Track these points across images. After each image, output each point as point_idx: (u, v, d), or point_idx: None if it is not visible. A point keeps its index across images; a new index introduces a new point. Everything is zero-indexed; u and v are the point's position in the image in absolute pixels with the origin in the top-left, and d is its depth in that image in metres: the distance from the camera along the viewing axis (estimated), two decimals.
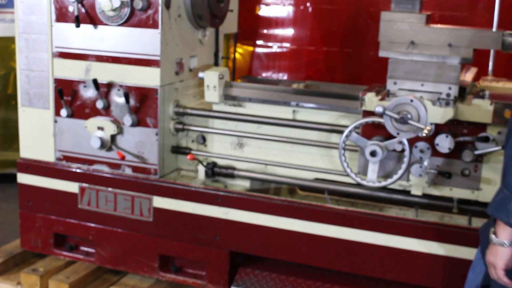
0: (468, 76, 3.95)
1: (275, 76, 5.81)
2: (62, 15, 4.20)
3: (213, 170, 4.24)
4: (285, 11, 5.69)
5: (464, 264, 3.58)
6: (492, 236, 2.56)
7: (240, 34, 5.44)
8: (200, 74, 4.23)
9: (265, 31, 5.79)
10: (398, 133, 3.51)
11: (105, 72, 4.17)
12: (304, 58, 5.73)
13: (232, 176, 4.24)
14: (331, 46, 5.62)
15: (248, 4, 5.63)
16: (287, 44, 5.74)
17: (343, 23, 5.57)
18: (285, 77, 5.80)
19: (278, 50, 5.77)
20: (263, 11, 5.77)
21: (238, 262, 4.22)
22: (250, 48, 5.76)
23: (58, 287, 4.29)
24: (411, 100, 3.43)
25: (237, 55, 5.57)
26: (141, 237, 4.28)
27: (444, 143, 3.59)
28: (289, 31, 5.73)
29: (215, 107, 4.29)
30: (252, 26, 5.77)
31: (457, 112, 3.55)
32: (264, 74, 5.82)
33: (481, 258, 2.81)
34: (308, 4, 5.62)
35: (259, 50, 5.81)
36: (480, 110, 3.53)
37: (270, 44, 5.78)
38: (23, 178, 4.51)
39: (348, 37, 5.57)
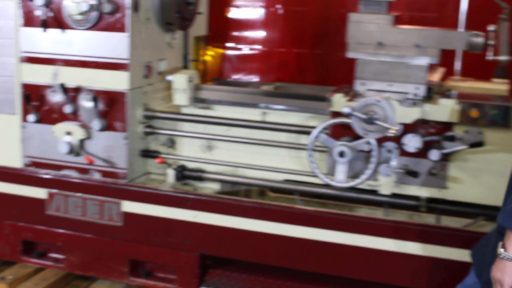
0: (436, 76, 3.97)
1: (246, 78, 5.79)
2: (29, 20, 4.15)
3: (182, 173, 4.22)
4: (256, 13, 5.67)
5: (432, 262, 3.61)
6: (501, 250, 2.35)
7: (211, 37, 5.42)
8: (169, 77, 4.21)
9: (235, 33, 5.77)
10: (366, 134, 3.52)
11: (73, 77, 4.14)
12: (275, 60, 5.71)
13: (201, 179, 4.22)
14: (302, 48, 5.62)
15: (219, 7, 5.61)
16: (258, 46, 5.73)
17: (313, 24, 5.56)
18: (257, 79, 5.79)
19: (249, 52, 5.75)
20: (234, 13, 5.75)
21: (208, 265, 4.20)
22: (221, 51, 5.74)
23: None
24: (378, 101, 3.44)
25: (208, 58, 5.54)
26: (111, 242, 4.24)
27: (412, 142, 3.60)
28: (259, 33, 5.72)
29: (184, 110, 4.27)
30: (223, 29, 5.75)
31: (424, 112, 3.57)
32: (235, 76, 5.80)
33: (476, 283, 2.64)
34: (278, 6, 5.62)
35: (230, 52, 5.79)
36: (446, 109, 3.55)
37: (241, 46, 5.77)
38: None
39: (319, 38, 5.57)
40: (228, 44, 5.77)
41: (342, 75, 5.27)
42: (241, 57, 5.78)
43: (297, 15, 5.62)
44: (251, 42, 5.74)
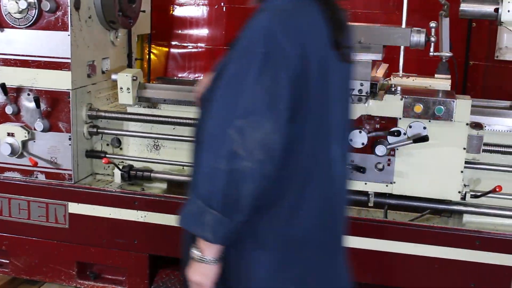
0: (380, 72, 4.02)
1: (191, 76, 5.77)
2: None
3: (129, 173, 4.17)
4: (199, 11, 5.67)
5: (379, 256, 3.66)
6: (197, 254, 2.19)
7: (154, 35, 5.39)
8: (113, 76, 4.14)
9: (179, 31, 5.74)
10: None
11: (14, 76, 4.04)
12: (220, 58, 5.71)
13: (149, 178, 4.18)
14: None
15: (162, 5, 5.58)
16: (202, 44, 5.71)
17: None
18: (202, 77, 5.78)
19: (194, 50, 5.74)
20: (177, 11, 5.73)
21: (158, 266, 4.16)
22: (165, 49, 5.71)
23: None
24: None
25: (152, 56, 5.51)
26: (57, 245, 4.16)
27: (358, 138, 3.64)
28: (204, 31, 5.71)
29: (129, 110, 4.21)
30: (167, 27, 5.72)
31: (369, 107, 3.61)
32: (180, 75, 5.78)
33: None
34: (222, 3, 5.62)
35: (174, 50, 5.76)
36: (391, 105, 3.60)
37: (185, 44, 5.74)
38: None
39: None
40: (172, 42, 5.74)
41: None
42: (185, 55, 5.75)
43: (241, 12, 5.62)
44: (195, 40, 5.72)
